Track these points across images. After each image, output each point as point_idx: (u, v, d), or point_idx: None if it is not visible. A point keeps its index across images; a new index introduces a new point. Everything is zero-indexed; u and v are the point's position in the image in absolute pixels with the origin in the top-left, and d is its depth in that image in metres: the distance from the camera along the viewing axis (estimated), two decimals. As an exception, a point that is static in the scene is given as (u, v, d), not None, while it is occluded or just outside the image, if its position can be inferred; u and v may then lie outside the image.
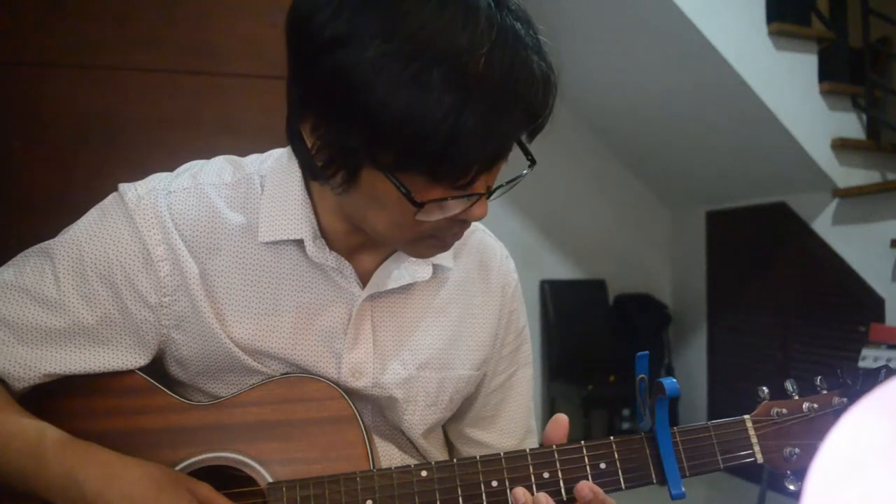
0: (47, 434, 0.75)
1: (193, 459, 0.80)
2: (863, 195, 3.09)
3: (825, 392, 0.83)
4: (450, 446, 1.01)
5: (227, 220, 0.83)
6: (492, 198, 0.72)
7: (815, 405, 0.82)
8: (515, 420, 0.99)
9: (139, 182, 0.84)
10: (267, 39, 1.79)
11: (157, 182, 0.84)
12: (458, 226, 0.75)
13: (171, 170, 0.87)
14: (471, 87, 0.62)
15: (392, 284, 0.86)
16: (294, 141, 0.76)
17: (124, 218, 0.80)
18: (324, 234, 0.83)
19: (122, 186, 0.83)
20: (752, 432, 0.81)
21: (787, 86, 3.08)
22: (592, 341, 4.12)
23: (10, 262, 0.82)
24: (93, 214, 0.83)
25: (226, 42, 1.81)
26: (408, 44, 0.61)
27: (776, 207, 3.59)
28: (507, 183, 0.73)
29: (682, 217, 4.43)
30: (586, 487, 0.76)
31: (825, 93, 3.14)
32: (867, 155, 3.21)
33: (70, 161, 1.73)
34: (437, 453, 0.96)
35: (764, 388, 0.83)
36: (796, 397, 0.83)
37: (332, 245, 0.83)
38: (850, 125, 3.21)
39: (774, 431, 0.81)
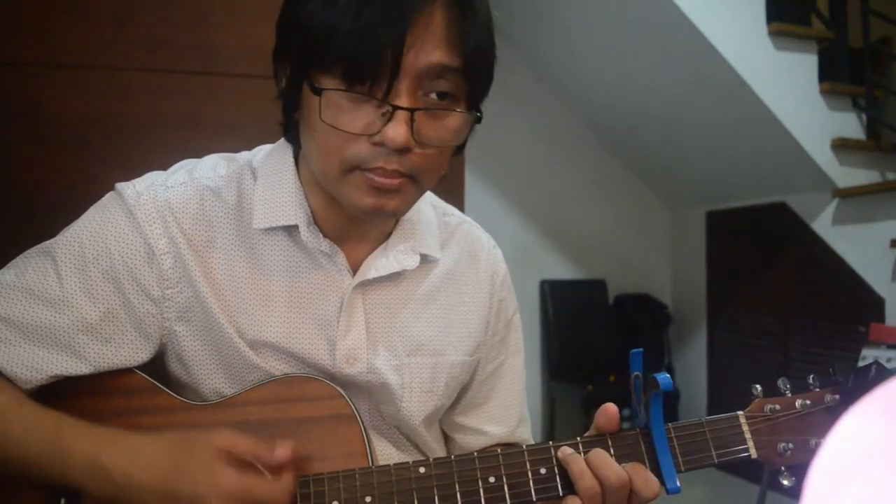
0: (64, 424, 0.75)
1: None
2: (863, 195, 3.09)
3: (817, 389, 0.84)
4: (445, 438, 1.02)
5: (223, 212, 0.85)
6: (417, 133, 0.72)
7: (808, 402, 0.83)
8: (507, 407, 1.01)
9: (136, 180, 0.86)
10: (267, 39, 1.79)
11: (153, 178, 0.86)
12: (384, 156, 0.73)
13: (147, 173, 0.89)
14: None
15: (381, 272, 0.88)
16: (281, 99, 0.81)
17: (125, 213, 0.82)
18: (316, 221, 0.85)
19: (120, 185, 0.85)
20: (745, 428, 0.82)
21: (787, 86, 3.08)
22: (592, 341, 4.13)
23: (10, 264, 0.83)
24: (92, 212, 0.84)
25: (226, 42, 1.81)
26: None
27: (776, 207, 3.59)
28: (428, 108, 0.73)
29: (682, 217, 4.43)
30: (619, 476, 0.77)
31: (825, 93, 3.14)
32: (867, 155, 3.21)
33: (70, 161, 1.73)
34: (436, 444, 0.97)
35: (757, 385, 0.84)
36: (789, 395, 0.84)
37: (324, 232, 0.86)
38: (850, 125, 3.21)
39: (768, 427, 0.82)
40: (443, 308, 0.94)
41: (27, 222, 1.66)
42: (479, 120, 0.77)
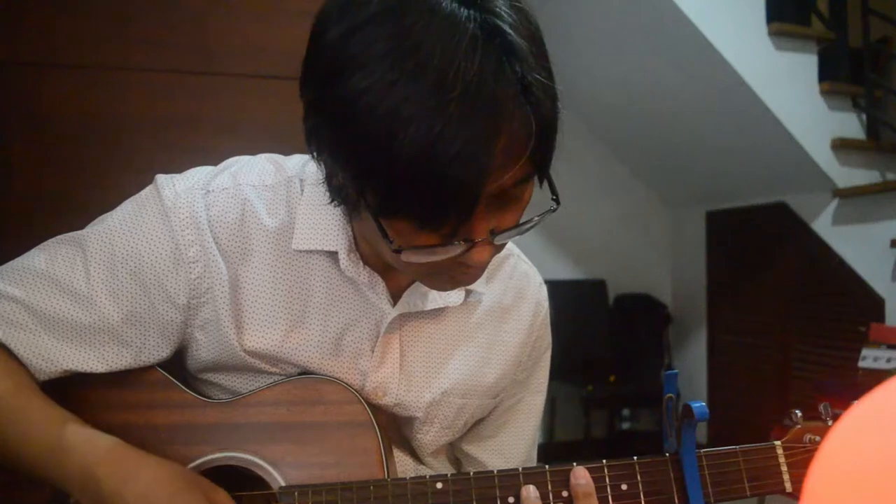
0: (68, 427, 0.74)
1: (206, 458, 0.80)
2: (863, 195, 3.09)
3: None
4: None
5: (262, 225, 0.81)
6: (497, 240, 0.67)
7: None
8: (514, 445, 0.97)
9: (177, 177, 0.82)
10: (267, 40, 1.79)
11: (195, 179, 0.81)
12: (463, 267, 0.69)
13: (172, 170, 0.86)
14: (442, 129, 0.58)
15: (423, 307, 0.84)
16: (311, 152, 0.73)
17: (160, 215, 0.79)
18: (357, 248, 0.81)
19: (160, 180, 0.81)
20: (782, 459, 0.77)
21: (787, 86, 3.08)
22: (592, 341, 4.12)
23: (41, 247, 0.82)
24: (128, 207, 0.82)
25: (226, 42, 1.81)
26: (385, 79, 0.58)
27: (776, 207, 3.59)
28: (516, 227, 0.68)
29: (682, 217, 4.43)
30: (583, 476, 0.75)
31: (825, 93, 3.14)
32: (867, 155, 3.21)
33: (70, 161, 1.73)
34: (444, 470, 0.94)
35: (797, 411, 0.79)
36: (830, 422, 0.78)
37: (364, 260, 0.81)
38: (850, 125, 3.21)
39: (806, 459, 0.77)
40: (481, 346, 0.89)
41: (27, 221, 1.66)
42: (556, 202, 0.70)
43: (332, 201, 0.72)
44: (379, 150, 0.59)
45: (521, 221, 0.69)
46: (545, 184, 0.71)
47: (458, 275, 0.71)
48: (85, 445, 0.73)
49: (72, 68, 1.74)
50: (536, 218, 0.69)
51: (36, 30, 1.72)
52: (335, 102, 0.61)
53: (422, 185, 0.59)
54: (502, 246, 0.72)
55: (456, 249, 0.65)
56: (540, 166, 0.67)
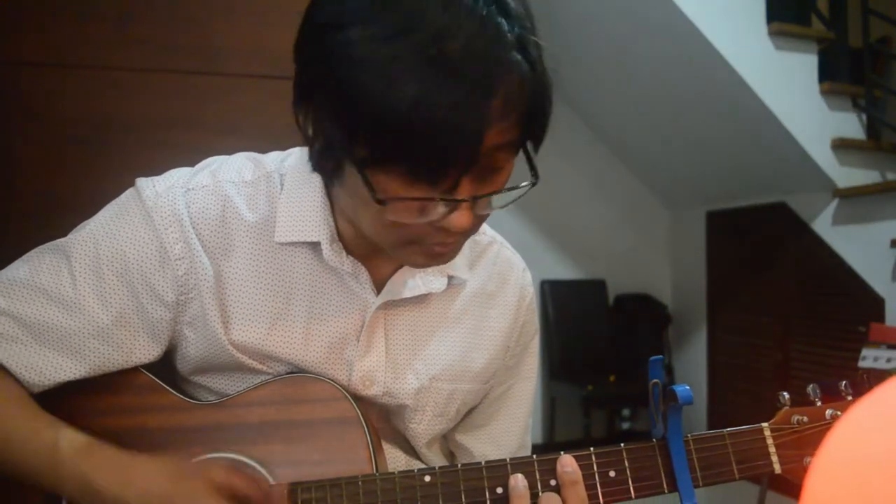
0: (62, 436, 0.75)
1: (196, 460, 0.80)
2: (863, 195, 3.09)
3: (850, 398, 0.79)
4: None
5: (244, 220, 0.82)
6: (477, 207, 0.69)
7: (839, 412, 0.78)
8: (507, 432, 0.97)
9: (157, 178, 0.83)
10: (268, 39, 1.79)
11: (175, 179, 0.82)
12: (442, 234, 0.70)
13: (171, 169, 0.86)
14: (441, 77, 0.60)
15: (406, 294, 0.84)
16: (298, 124, 0.74)
17: (142, 215, 0.79)
18: (340, 237, 0.82)
19: (140, 182, 0.82)
20: (770, 441, 0.78)
21: (787, 86, 3.08)
22: (592, 341, 4.12)
23: (24, 258, 0.82)
24: (109, 211, 0.82)
25: (226, 42, 1.81)
26: (384, 30, 0.60)
27: (776, 207, 3.59)
28: (497, 192, 0.69)
29: (682, 217, 4.43)
30: (569, 463, 0.76)
31: (825, 93, 3.14)
32: (867, 155, 3.21)
33: (71, 161, 1.73)
34: (436, 459, 0.95)
35: (784, 393, 0.80)
36: (819, 403, 0.79)
37: (348, 249, 0.82)
38: (850, 125, 3.21)
39: (794, 440, 0.78)
40: (467, 331, 0.90)
41: (27, 222, 1.66)
42: (535, 177, 0.71)
43: (313, 169, 0.73)
44: (376, 97, 0.60)
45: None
46: (547, 194, 0.72)
47: (436, 245, 0.72)
48: (79, 455, 0.73)
49: (72, 68, 1.74)
50: (517, 187, 0.71)
51: (36, 30, 1.72)
52: (332, 52, 0.63)
53: (421, 131, 0.60)
54: (481, 221, 0.73)
55: (437, 210, 0.66)
56: (531, 132, 0.69)
